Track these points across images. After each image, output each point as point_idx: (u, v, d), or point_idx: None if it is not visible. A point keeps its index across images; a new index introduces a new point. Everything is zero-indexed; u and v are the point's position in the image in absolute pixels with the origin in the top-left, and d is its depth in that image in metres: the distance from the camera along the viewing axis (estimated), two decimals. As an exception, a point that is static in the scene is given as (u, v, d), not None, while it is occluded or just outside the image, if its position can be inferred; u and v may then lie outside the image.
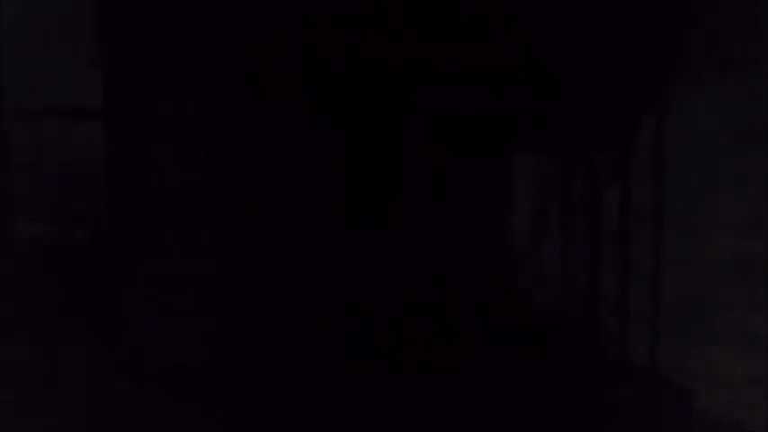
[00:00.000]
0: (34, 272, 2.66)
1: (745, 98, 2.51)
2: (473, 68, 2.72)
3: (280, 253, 2.73)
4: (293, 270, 2.73)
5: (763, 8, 2.42)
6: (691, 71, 2.71)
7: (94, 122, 2.67)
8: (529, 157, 2.90)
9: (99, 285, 2.67)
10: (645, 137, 2.81)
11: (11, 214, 2.67)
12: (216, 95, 2.66)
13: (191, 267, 2.69)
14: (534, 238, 2.92)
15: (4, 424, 2.55)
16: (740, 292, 2.55)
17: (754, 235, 2.50)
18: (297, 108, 2.68)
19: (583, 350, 2.87)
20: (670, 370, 2.79)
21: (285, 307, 2.74)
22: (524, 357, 2.80)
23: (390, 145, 2.72)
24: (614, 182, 2.85)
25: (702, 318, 2.68)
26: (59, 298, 2.66)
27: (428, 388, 2.72)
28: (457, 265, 2.81)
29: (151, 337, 2.68)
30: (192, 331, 2.69)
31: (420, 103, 2.72)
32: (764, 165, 2.45)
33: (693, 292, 2.71)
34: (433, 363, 2.76)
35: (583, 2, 2.74)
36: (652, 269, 2.80)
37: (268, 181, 2.70)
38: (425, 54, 2.69)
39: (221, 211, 2.69)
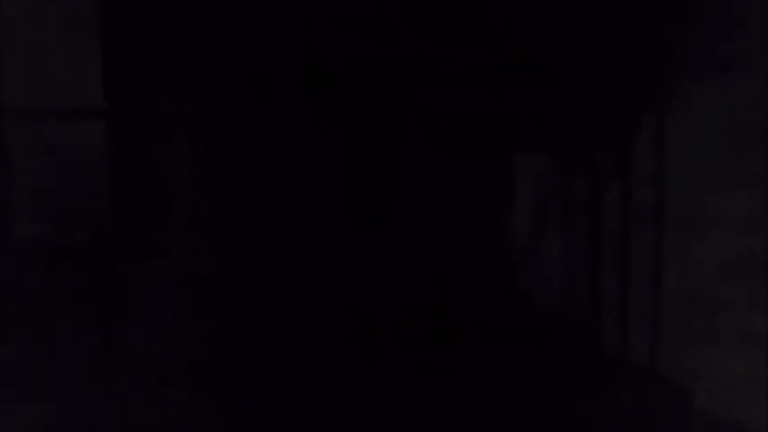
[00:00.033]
0: (34, 272, 2.66)
1: (745, 98, 2.51)
2: (473, 68, 2.72)
3: (280, 253, 2.73)
4: (293, 270, 2.73)
5: (764, 7, 2.42)
6: (691, 71, 2.70)
7: (94, 122, 2.67)
8: (529, 157, 2.90)
9: (99, 285, 2.67)
10: (645, 137, 2.81)
11: (11, 214, 2.67)
12: (216, 95, 2.66)
13: (191, 267, 2.69)
14: (534, 238, 2.92)
15: (4, 423, 2.55)
16: (740, 292, 2.55)
17: (754, 235, 2.50)
18: (297, 108, 2.68)
19: (583, 350, 2.87)
20: (670, 370, 2.79)
21: (285, 307, 2.74)
22: (524, 357, 2.80)
23: (390, 145, 2.72)
24: (614, 182, 2.85)
25: (702, 318, 2.68)
26: (59, 298, 2.66)
27: (428, 388, 2.72)
28: (457, 264, 2.81)
29: (151, 337, 2.68)
30: (192, 331, 2.69)
31: (420, 103, 2.72)
32: (764, 165, 2.45)
33: (693, 292, 2.71)
34: (433, 363, 2.76)
35: (583, 2, 2.74)
36: (652, 269, 2.80)
37: (268, 181, 2.70)
38: (425, 54, 2.69)
39: (221, 211, 2.70)
